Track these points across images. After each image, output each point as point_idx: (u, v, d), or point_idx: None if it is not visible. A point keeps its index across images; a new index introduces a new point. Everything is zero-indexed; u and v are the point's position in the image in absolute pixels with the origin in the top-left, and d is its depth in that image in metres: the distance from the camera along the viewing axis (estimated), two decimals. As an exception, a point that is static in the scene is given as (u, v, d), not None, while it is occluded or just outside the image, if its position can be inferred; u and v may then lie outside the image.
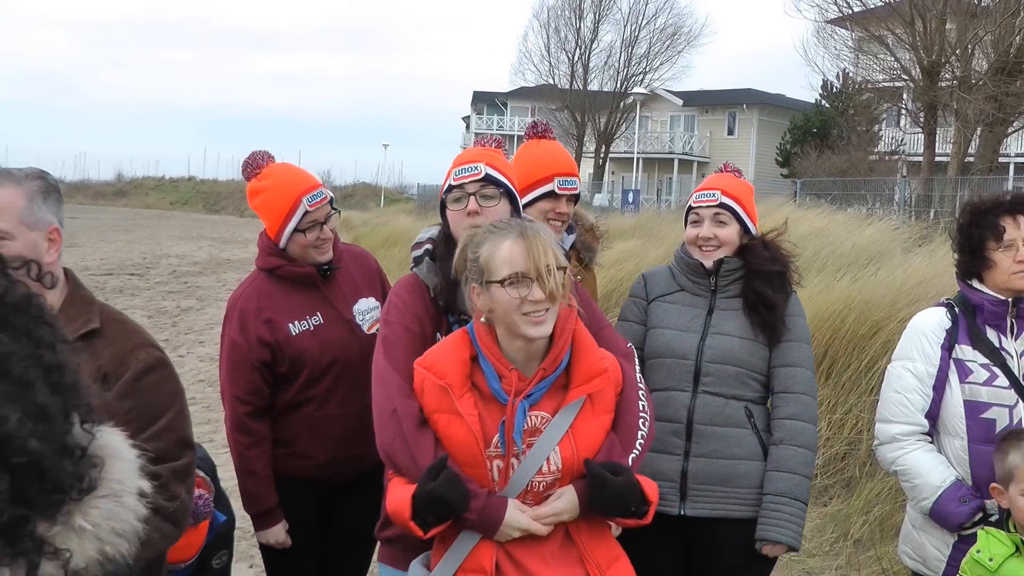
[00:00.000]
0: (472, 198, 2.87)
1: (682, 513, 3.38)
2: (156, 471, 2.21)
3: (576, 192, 3.60)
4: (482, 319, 2.56)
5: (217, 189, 79.51)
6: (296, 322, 3.60)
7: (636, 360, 2.84)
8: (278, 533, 3.65)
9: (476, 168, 2.88)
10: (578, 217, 3.87)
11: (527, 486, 2.51)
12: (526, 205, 3.49)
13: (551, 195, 3.55)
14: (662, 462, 3.37)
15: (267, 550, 3.77)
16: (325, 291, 3.67)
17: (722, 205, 3.44)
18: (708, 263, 3.44)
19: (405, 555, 2.70)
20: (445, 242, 2.94)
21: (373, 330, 3.53)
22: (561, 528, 2.54)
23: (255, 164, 3.65)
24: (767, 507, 3.30)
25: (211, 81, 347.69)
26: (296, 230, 3.57)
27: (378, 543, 2.98)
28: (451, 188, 2.91)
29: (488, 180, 2.87)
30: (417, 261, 2.98)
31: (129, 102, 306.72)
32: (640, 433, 2.65)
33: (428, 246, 2.98)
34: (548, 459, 2.50)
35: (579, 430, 2.52)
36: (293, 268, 3.63)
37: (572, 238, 3.76)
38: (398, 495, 2.50)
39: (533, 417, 2.52)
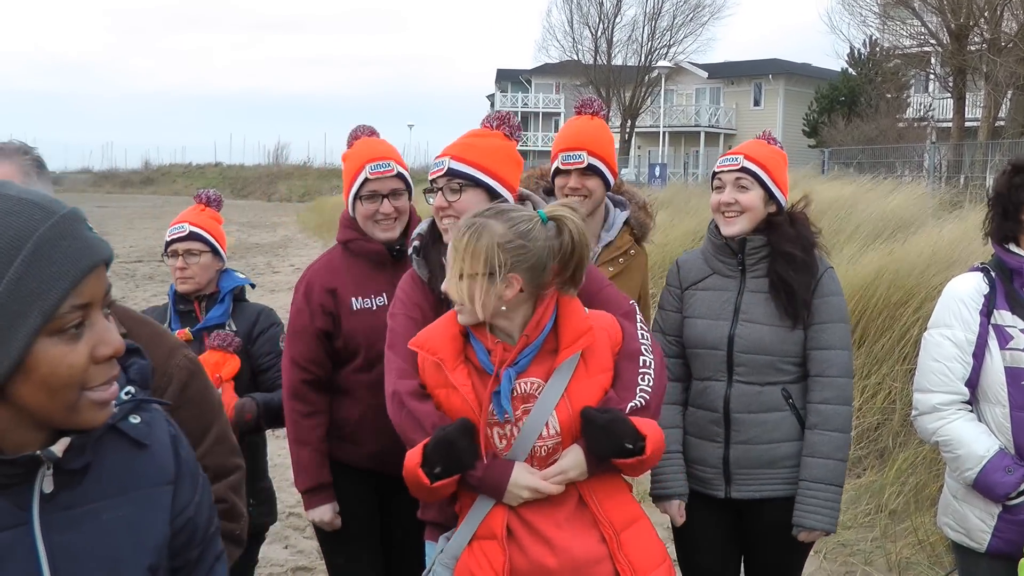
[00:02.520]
0: (440, 193, 2.99)
1: (728, 496, 3.42)
2: (221, 495, 2.11)
3: (582, 164, 3.56)
4: None
5: (244, 174, 79.71)
6: (359, 298, 3.54)
7: (638, 317, 2.86)
8: (325, 512, 3.57)
9: (441, 164, 3.00)
10: (631, 195, 3.90)
11: (530, 451, 2.55)
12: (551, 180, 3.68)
13: (559, 173, 3.63)
14: (704, 449, 3.43)
15: (325, 541, 3.73)
16: (396, 273, 3.46)
17: (744, 169, 3.36)
18: (731, 231, 3.37)
19: (443, 532, 2.75)
20: (431, 233, 3.08)
21: None
22: (574, 492, 2.57)
23: (352, 136, 3.66)
24: (803, 494, 3.31)
25: (234, 66, 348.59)
26: (357, 197, 3.53)
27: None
28: (431, 182, 3.04)
29: (452, 174, 2.96)
30: (410, 256, 3.10)
31: (154, 89, 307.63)
32: (640, 388, 2.65)
33: (416, 242, 3.09)
34: (547, 424, 2.54)
35: (574, 391, 2.56)
36: (364, 243, 3.56)
37: (626, 215, 3.78)
38: (412, 451, 2.57)
39: (524, 384, 2.56)
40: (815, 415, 3.32)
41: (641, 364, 2.68)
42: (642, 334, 2.78)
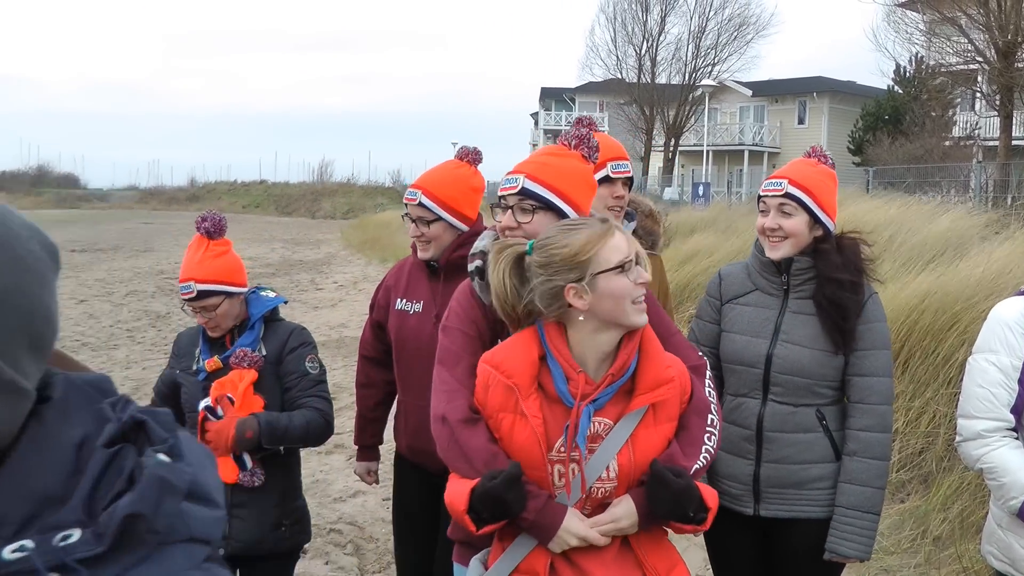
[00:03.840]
0: (510, 212, 2.83)
1: (757, 513, 3.40)
2: None
3: (629, 175, 3.70)
4: (580, 317, 2.46)
5: (288, 192, 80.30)
6: (402, 300, 3.86)
7: (708, 373, 2.75)
8: (360, 467, 4.29)
9: (515, 180, 2.82)
10: (636, 203, 3.92)
11: (587, 492, 2.46)
12: None
13: (606, 180, 3.63)
14: (735, 465, 3.41)
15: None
16: (438, 285, 3.74)
17: (788, 195, 3.33)
18: (775, 255, 3.35)
19: (473, 553, 2.68)
20: None
21: None
22: (619, 536, 2.49)
23: None
24: (838, 520, 3.28)
25: (279, 85, 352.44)
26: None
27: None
28: (500, 197, 2.88)
29: (525, 194, 2.80)
30: (472, 274, 2.94)
31: (200, 108, 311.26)
32: (705, 448, 2.57)
33: (479, 262, 2.90)
34: (607, 467, 2.44)
35: (639, 438, 2.45)
36: (417, 254, 3.84)
37: (633, 225, 3.84)
38: (456, 488, 2.47)
39: (596, 423, 2.45)
40: (854, 442, 3.29)
41: (708, 423, 2.60)
42: (709, 392, 2.69)
